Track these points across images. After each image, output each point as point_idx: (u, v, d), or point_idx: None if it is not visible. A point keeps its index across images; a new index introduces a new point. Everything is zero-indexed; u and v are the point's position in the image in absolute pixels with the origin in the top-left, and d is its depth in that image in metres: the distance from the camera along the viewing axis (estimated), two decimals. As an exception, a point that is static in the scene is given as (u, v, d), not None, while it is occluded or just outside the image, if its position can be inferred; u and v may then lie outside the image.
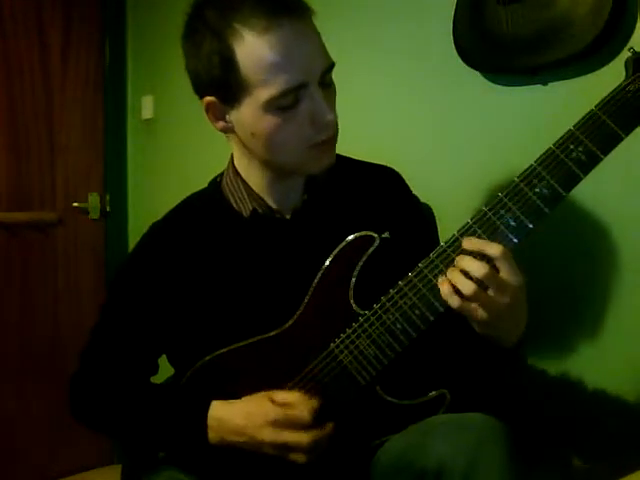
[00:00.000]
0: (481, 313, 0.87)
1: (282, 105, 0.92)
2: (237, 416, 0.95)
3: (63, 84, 2.50)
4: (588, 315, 1.31)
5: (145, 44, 2.58)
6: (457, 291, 0.87)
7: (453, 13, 1.42)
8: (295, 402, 0.94)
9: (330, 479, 0.99)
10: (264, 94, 0.91)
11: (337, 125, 0.97)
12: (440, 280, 0.90)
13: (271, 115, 0.93)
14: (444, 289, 0.89)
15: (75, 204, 2.55)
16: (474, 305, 0.87)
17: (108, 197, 2.64)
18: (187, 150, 2.37)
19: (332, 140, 0.98)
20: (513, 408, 1.34)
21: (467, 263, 0.87)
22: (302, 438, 0.92)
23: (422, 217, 1.18)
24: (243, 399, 0.97)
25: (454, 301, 0.88)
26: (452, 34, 1.42)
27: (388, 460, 0.96)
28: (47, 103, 2.47)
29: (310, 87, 0.92)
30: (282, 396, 0.95)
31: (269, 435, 0.93)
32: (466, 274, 0.87)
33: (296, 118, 0.93)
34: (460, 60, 1.41)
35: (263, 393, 0.96)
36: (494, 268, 0.86)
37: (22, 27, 2.39)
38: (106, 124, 2.62)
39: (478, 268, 0.86)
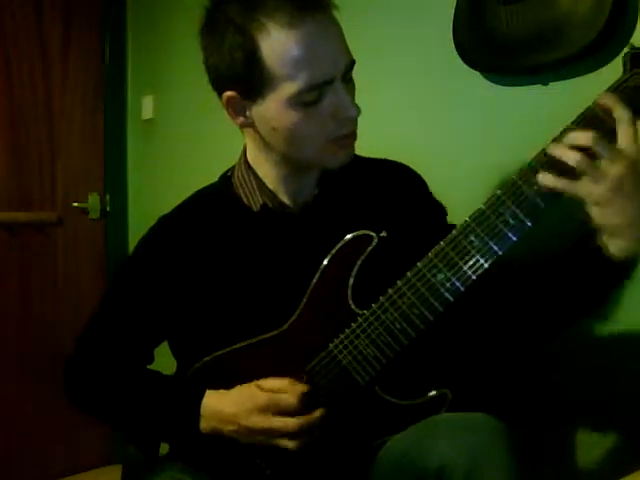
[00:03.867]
0: (597, 188, 0.82)
1: (306, 100, 0.91)
2: (228, 405, 0.96)
3: (63, 84, 2.50)
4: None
5: (145, 44, 2.58)
6: (563, 172, 0.83)
7: (453, 13, 1.41)
8: (282, 388, 0.95)
9: (331, 479, 0.99)
10: (289, 89, 0.91)
11: (357, 120, 0.97)
12: (541, 174, 0.85)
13: (295, 110, 0.92)
14: (545, 177, 0.85)
15: (75, 204, 2.55)
16: (586, 181, 0.82)
17: (108, 197, 2.64)
18: (187, 150, 2.37)
19: (352, 135, 0.98)
20: (514, 408, 1.34)
21: (571, 134, 0.84)
22: (288, 423, 0.93)
23: (436, 211, 1.15)
24: (234, 389, 0.98)
25: (560, 184, 0.84)
26: (452, 34, 1.42)
27: (389, 460, 0.96)
28: (47, 103, 2.47)
29: (335, 83, 0.92)
30: (270, 383, 0.96)
31: (257, 421, 0.94)
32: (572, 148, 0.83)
33: (319, 113, 0.93)
34: (460, 60, 1.41)
35: (253, 382, 0.97)
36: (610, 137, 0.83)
37: (22, 27, 2.40)
38: (106, 124, 2.62)
39: (585, 134, 0.83)
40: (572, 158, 0.83)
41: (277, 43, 0.89)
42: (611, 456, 1.28)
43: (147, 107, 2.55)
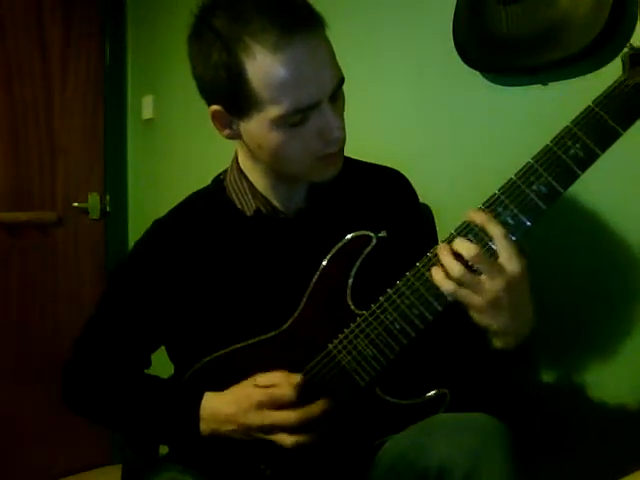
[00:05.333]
0: (476, 299, 0.86)
1: (291, 122, 0.91)
2: (225, 405, 0.96)
3: (63, 84, 2.51)
4: (589, 315, 1.31)
5: (145, 44, 2.58)
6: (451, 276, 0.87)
7: (453, 13, 1.41)
8: (278, 381, 0.94)
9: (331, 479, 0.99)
10: (274, 112, 0.90)
11: (345, 137, 0.97)
12: (433, 268, 0.90)
13: (279, 131, 0.92)
14: (437, 275, 0.89)
15: (75, 204, 2.56)
16: (467, 291, 0.86)
17: (108, 197, 2.64)
18: (187, 150, 2.37)
19: (339, 153, 0.98)
20: (514, 408, 1.34)
21: (457, 244, 0.87)
22: (289, 416, 0.92)
23: (423, 219, 1.18)
24: (231, 389, 0.97)
25: (447, 287, 0.87)
26: (452, 34, 1.42)
27: (389, 460, 0.96)
28: (47, 103, 2.47)
29: (321, 105, 0.91)
30: (265, 378, 0.95)
31: (255, 418, 0.93)
32: (457, 257, 0.87)
33: (304, 133, 0.92)
34: (460, 60, 1.41)
35: (249, 380, 0.96)
36: (492, 251, 0.86)
37: (22, 27, 2.40)
38: (106, 124, 2.62)
39: (468, 249, 0.86)
40: (454, 270, 0.86)
41: (262, 67, 0.88)
42: (611, 456, 1.28)
43: (147, 107, 2.55)
